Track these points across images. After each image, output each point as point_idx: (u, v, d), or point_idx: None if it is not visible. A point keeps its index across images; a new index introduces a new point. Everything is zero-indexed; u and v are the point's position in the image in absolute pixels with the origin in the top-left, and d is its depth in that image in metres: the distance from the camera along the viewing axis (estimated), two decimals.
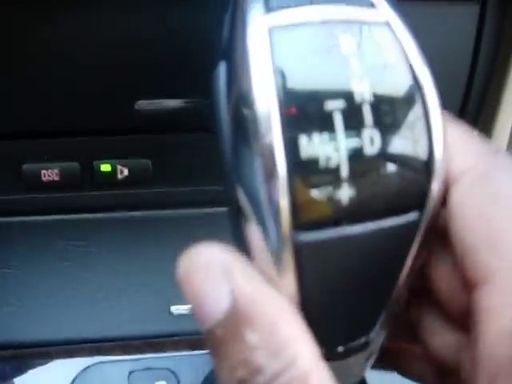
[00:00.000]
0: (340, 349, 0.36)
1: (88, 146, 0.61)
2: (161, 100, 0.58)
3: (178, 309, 0.65)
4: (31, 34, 0.55)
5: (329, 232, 0.31)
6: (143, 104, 0.59)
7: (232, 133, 0.33)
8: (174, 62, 0.57)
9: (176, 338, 0.65)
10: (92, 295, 0.66)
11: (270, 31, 0.31)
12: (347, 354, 0.37)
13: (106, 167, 0.62)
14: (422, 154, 0.32)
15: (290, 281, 0.32)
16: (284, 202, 0.30)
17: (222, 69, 0.33)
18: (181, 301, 0.64)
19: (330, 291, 0.34)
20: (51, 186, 0.62)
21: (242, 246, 0.35)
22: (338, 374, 0.34)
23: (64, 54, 0.56)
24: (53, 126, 0.60)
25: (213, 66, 0.35)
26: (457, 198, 0.33)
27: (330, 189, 0.30)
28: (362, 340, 0.37)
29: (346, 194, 0.30)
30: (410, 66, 0.33)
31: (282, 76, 0.31)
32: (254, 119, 0.30)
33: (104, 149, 0.62)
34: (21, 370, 0.64)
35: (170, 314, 0.65)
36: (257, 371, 0.29)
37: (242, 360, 0.29)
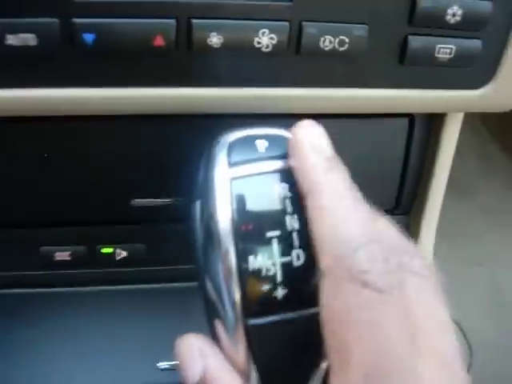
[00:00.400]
0: None
1: (93, 234, 0.71)
2: (151, 199, 0.69)
3: (162, 365, 0.76)
4: (51, 149, 0.65)
5: (269, 318, 0.43)
6: (137, 202, 0.69)
7: (203, 242, 0.46)
8: (162, 172, 0.68)
9: None
10: (94, 355, 0.75)
11: (231, 180, 0.45)
12: None
13: (107, 250, 0.72)
14: None
15: (240, 349, 0.44)
16: (237, 295, 0.43)
17: (197, 204, 0.47)
18: (165, 358, 0.75)
19: (274, 357, 0.45)
20: (63, 264, 0.72)
21: (209, 322, 0.48)
22: None
23: (76, 164, 0.66)
24: (64, 218, 0.70)
25: (191, 201, 0.48)
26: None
27: (269, 290, 0.43)
28: None
29: (280, 293, 0.43)
30: None
31: (237, 207, 0.43)
32: (219, 244, 0.43)
33: (106, 235, 0.71)
34: None
35: (157, 368, 0.76)
36: None
37: None
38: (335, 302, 0.39)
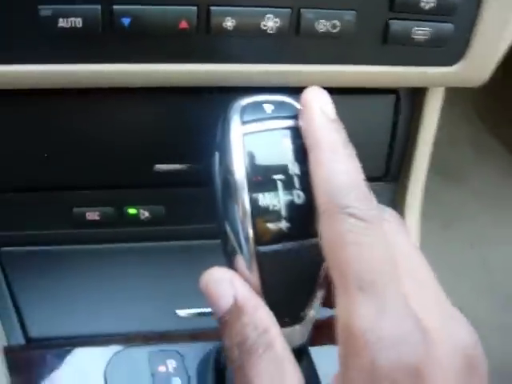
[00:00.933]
0: (287, 319, 0.56)
1: (120, 196, 0.79)
2: (171, 165, 0.77)
3: (181, 312, 0.83)
4: (87, 119, 0.74)
5: (275, 246, 0.53)
6: (159, 167, 0.77)
7: (221, 191, 0.56)
8: (183, 139, 0.77)
9: (181, 331, 0.81)
10: (122, 301, 0.82)
11: (243, 135, 0.55)
12: (291, 323, 0.57)
13: (132, 210, 0.80)
14: None
15: (255, 276, 0.54)
16: (250, 230, 0.52)
17: (216, 156, 0.57)
18: (183, 306, 0.83)
19: (280, 281, 0.55)
20: (93, 223, 0.80)
21: (228, 261, 0.58)
22: (287, 337, 0.57)
23: (105, 134, 0.75)
24: (95, 182, 0.78)
25: (210, 154, 0.58)
26: (321, 230, 0.50)
27: (275, 222, 0.53)
28: (300, 314, 0.57)
29: (284, 225, 0.53)
30: None
31: (249, 159, 0.53)
32: (235, 185, 0.53)
33: (131, 197, 0.80)
34: (65, 355, 0.77)
35: (176, 315, 0.83)
36: (246, 338, 0.51)
37: (238, 332, 0.51)
38: (331, 230, 0.48)
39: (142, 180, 0.79)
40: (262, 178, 0.53)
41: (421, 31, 0.67)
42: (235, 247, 0.55)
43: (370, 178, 0.72)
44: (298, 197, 0.53)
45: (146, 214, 0.81)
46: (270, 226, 0.53)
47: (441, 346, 0.45)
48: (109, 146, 0.76)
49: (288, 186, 0.53)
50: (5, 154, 0.75)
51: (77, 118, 0.74)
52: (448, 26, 0.68)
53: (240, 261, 0.55)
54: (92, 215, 0.80)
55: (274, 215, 0.53)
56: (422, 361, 0.43)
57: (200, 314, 0.83)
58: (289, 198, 0.53)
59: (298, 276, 0.55)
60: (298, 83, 0.66)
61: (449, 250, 1.92)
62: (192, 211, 0.82)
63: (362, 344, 0.43)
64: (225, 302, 0.52)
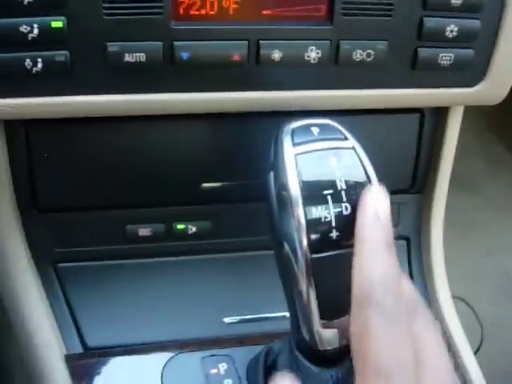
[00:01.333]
0: (336, 320, 0.62)
1: (169, 213, 0.85)
2: (217, 183, 0.83)
3: (228, 320, 0.87)
4: (141, 142, 0.80)
5: (327, 254, 0.59)
6: (205, 186, 0.83)
7: (277, 206, 0.62)
8: (227, 160, 0.82)
9: (230, 336, 0.85)
10: (173, 311, 0.86)
11: (296, 156, 0.60)
12: (340, 323, 0.62)
13: (180, 226, 0.85)
14: None
15: (308, 280, 0.59)
16: (305, 240, 0.58)
17: (271, 175, 0.63)
18: (231, 314, 0.87)
19: (330, 284, 0.60)
20: (144, 239, 0.85)
21: (280, 266, 0.64)
22: (336, 336, 0.62)
23: (157, 157, 0.81)
24: (146, 200, 0.84)
25: (265, 173, 0.63)
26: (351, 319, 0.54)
27: (327, 232, 0.58)
28: (347, 316, 0.60)
29: (334, 234, 0.58)
30: (365, 170, 0.61)
31: (301, 177, 0.59)
32: (289, 198, 0.59)
33: (180, 214, 0.85)
34: (122, 363, 0.82)
35: (224, 323, 0.87)
36: None
37: None
38: (358, 320, 0.52)
39: (190, 197, 0.84)
40: (313, 193, 0.59)
41: (446, 57, 0.74)
42: (290, 256, 0.60)
43: (397, 191, 0.79)
44: (346, 209, 0.59)
45: (194, 229, 0.86)
46: (323, 235, 0.58)
47: None
48: (160, 167, 0.82)
49: (336, 199, 0.59)
50: (63, 176, 0.80)
51: (131, 141, 0.80)
52: (469, 52, 0.75)
53: (294, 268, 0.60)
54: (144, 231, 0.85)
55: (326, 226, 0.58)
56: None
57: (245, 321, 0.88)
58: (338, 209, 0.58)
59: (345, 280, 0.59)
60: (337, 106, 0.73)
61: (466, 258, 1.96)
62: (236, 225, 0.87)
63: None
64: None
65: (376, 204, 0.56)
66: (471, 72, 0.77)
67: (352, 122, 0.63)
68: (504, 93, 0.80)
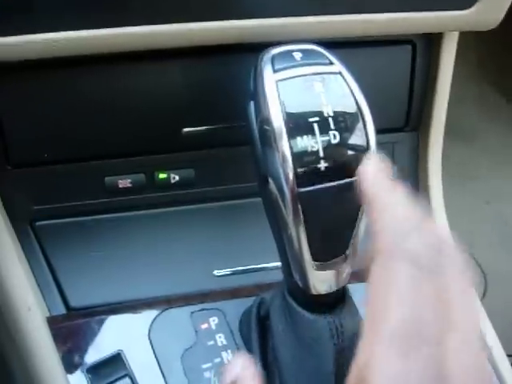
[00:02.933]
0: (329, 262, 0.59)
1: (150, 162, 0.81)
2: (199, 127, 0.79)
3: (218, 272, 0.84)
4: (114, 86, 0.76)
5: (316, 187, 0.55)
6: (187, 131, 0.79)
7: (259, 138, 0.58)
8: (209, 101, 0.79)
9: (221, 290, 0.82)
10: (159, 266, 0.83)
11: (277, 82, 0.57)
12: (334, 265, 0.60)
13: (162, 175, 0.82)
14: (363, 143, 0.57)
15: (297, 218, 0.56)
16: (291, 173, 0.54)
17: (251, 105, 0.59)
18: (220, 266, 0.85)
19: (321, 222, 0.57)
20: (125, 191, 0.82)
21: (268, 207, 0.60)
22: (332, 279, 0.59)
23: (133, 101, 0.77)
24: (124, 149, 0.80)
25: (245, 103, 0.60)
26: (371, 274, 0.45)
27: (314, 163, 0.55)
28: (342, 256, 0.60)
29: (322, 165, 0.55)
30: (354, 97, 0.57)
31: (284, 106, 0.55)
32: (272, 131, 0.56)
33: (161, 163, 0.81)
34: (107, 322, 0.79)
35: (213, 275, 0.84)
36: None
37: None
38: (384, 271, 0.45)
39: (171, 144, 0.81)
40: (298, 121, 0.55)
41: None
42: (276, 194, 0.57)
43: (391, 129, 0.75)
44: (334, 137, 0.55)
45: (177, 177, 0.82)
46: (310, 167, 0.55)
47: None
48: (136, 113, 0.78)
49: (324, 127, 0.55)
50: (35, 126, 0.77)
51: (106, 86, 0.76)
52: None
53: (281, 207, 0.57)
54: (123, 183, 0.81)
55: (313, 156, 0.55)
56: None
57: (236, 273, 0.85)
58: (325, 138, 0.55)
59: (338, 216, 0.58)
60: (322, 34, 0.68)
61: (465, 208, 1.95)
62: (221, 172, 0.84)
63: None
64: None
65: (378, 166, 0.52)
66: None
67: (340, 57, 0.60)
68: (500, 16, 0.76)
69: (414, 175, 0.93)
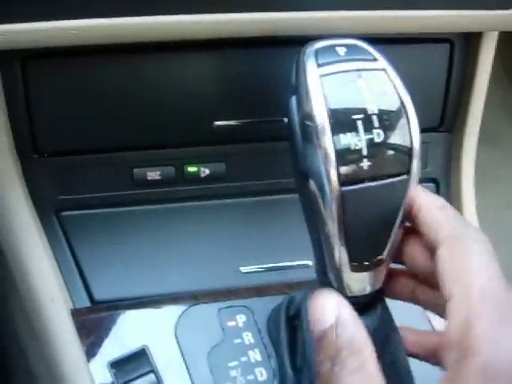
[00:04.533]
0: (366, 263, 0.58)
1: (180, 154, 0.80)
2: (231, 121, 0.78)
3: (245, 269, 0.83)
4: (147, 78, 0.75)
5: (358, 186, 0.54)
6: (218, 124, 0.78)
7: (301, 134, 0.57)
8: (241, 95, 0.77)
9: (249, 287, 0.81)
10: (185, 261, 0.82)
11: (320, 77, 0.55)
12: (370, 267, 0.58)
13: (192, 169, 0.81)
14: (407, 143, 0.55)
15: (336, 217, 0.55)
16: (333, 171, 0.53)
17: (293, 99, 0.57)
18: (248, 262, 0.83)
19: (360, 222, 0.55)
20: (153, 183, 0.81)
21: (306, 204, 0.59)
22: (367, 281, 0.58)
23: (166, 93, 0.76)
24: (155, 141, 0.79)
25: (287, 98, 0.58)
26: (441, 253, 0.52)
27: (357, 162, 0.53)
28: (379, 257, 0.58)
29: (365, 164, 0.53)
30: (398, 94, 0.56)
31: (328, 102, 0.54)
32: (315, 127, 0.54)
33: (191, 156, 0.80)
34: (133, 316, 0.77)
35: (241, 272, 0.83)
36: (341, 353, 0.51)
37: (334, 346, 0.52)
38: (456, 252, 0.52)
39: (202, 137, 0.80)
40: (341, 118, 0.54)
41: None
42: (316, 192, 0.56)
43: (426, 129, 0.74)
44: (378, 135, 0.54)
45: (207, 171, 0.81)
46: (353, 165, 0.53)
47: None
48: (167, 104, 0.77)
49: (368, 125, 0.54)
50: (63, 115, 0.76)
51: (137, 76, 0.75)
52: None
53: (321, 205, 0.55)
54: (153, 175, 0.80)
55: (356, 154, 0.53)
56: None
57: (263, 270, 0.83)
58: (369, 136, 0.53)
59: (377, 216, 0.56)
60: (365, 30, 0.67)
61: (486, 210, 1.92)
62: (251, 167, 0.83)
63: (481, 344, 0.46)
64: (327, 318, 0.54)
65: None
66: None
67: (375, 48, 0.58)
68: None
69: (446, 176, 0.92)
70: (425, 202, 0.56)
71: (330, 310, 0.54)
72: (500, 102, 2.24)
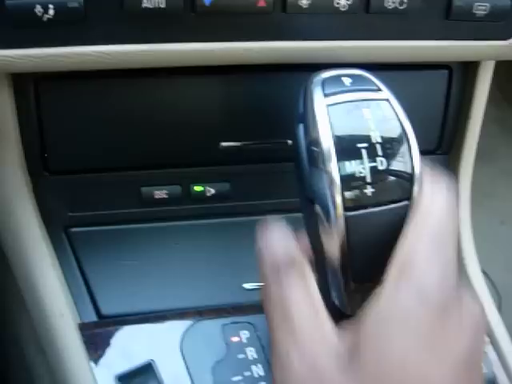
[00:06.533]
0: (368, 284, 0.59)
1: (186, 174, 0.82)
2: (237, 142, 0.80)
3: (249, 286, 0.85)
4: (154, 99, 0.77)
5: (362, 211, 0.56)
6: (224, 145, 0.80)
7: (307, 161, 0.59)
8: (248, 117, 0.80)
9: (252, 303, 0.80)
10: (190, 277, 0.84)
11: (327, 106, 0.58)
12: (373, 287, 0.58)
13: (198, 188, 0.83)
14: (408, 169, 0.57)
15: (340, 241, 0.57)
16: (339, 197, 0.55)
17: (301, 126, 0.60)
18: (252, 279, 0.84)
19: (364, 245, 0.58)
20: (161, 202, 0.82)
21: (310, 227, 0.61)
22: (364, 300, 0.60)
23: (172, 115, 0.78)
24: (161, 161, 0.81)
25: (294, 125, 0.60)
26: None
27: (361, 188, 0.55)
28: (381, 279, 0.60)
29: (369, 190, 0.55)
30: (400, 122, 0.58)
31: (334, 129, 0.56)
32: (321, 152, 0.57)
33: (197, 175, 0.82)
34: (139, 331, 0.79)
35: (244, 289, 0.85)
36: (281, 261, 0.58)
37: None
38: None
39: (208, 157, 0.82)
40: (347, 146, 0.56)
41: (481, 6, 0.70)
42: (321, 215, 0.57)
43: (423, 152, 0.75)
44: (381, 163, 0.56)
45: (212, 190, 0.83)
46: (357, 191, 0.55)
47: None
48: (175, 125, 0.79)
49: (371, 153, 0.56)
50: (75, 135, 0.78)
51: (146, 98, 0.77)
52: (505, 2, 0.72)
53: (326, 228, 0.57)
54: (160, 194, 0.82)
55: (360, 181, 0.55)
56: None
57: None
58: (373, 164, 0.56)
59: (380, 240, 0.58)
60: (366, 59, 0.70)
61: (480, 227, 1.93)
62: (256, 187, 0.85)
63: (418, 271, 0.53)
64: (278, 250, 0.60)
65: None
66: (507, 23, 0.73)
67: (378, 79, 0.60)
68: None
69: None
70: None
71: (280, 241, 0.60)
72: (496, 120, 2.26)
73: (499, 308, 1.66)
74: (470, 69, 0.86)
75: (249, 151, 0.81)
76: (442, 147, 0.91)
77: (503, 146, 2.27)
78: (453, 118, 0.89)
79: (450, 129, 0.89)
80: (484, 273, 1.70)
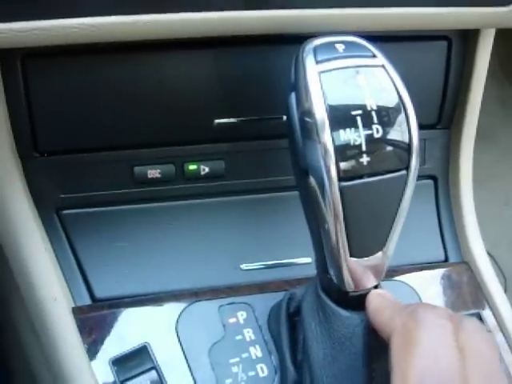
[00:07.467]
0: (366, 258, 0.58)
1: (180, 152, 0.80)
2: (231, 118, 0.78)
3: (246, 266, 0.83)
4: (147, 76, 0.75)
5: (357, 181, 0.54)
6: (218, 122, 0.78)
7: (300, 131, 0.57)
8: (242, 93, 0.78)
9: (249, 284, 0.81)
10: (186, 258, 0.82)
11: (319, 73, 0.56)
12: (370, 263, 0.59)
13: (192, 167, 0.81)
14: (405, 139, 0.56)
15: (337, 212, 0.55)
16: (333, 167, 0.54)
17: (292, 96, 0.58)
18: (248, 260, 0.83)
19: (360, 217, 0.56)
20: (154, 181, 0.81)
21: (306, 201, 0.59)
22: (366, 277, 0.58)
23: (166, 91, 0.76)
24: (156, 139, 0.79)
25: (281, 95, 0.58)
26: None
27: (357, 157, 0.54)
28: (379, 253, 0.59)
29: (365, 159, 0.54)
30: (397, 90, 0.56)
31: (327, 98, 0.54)
32: (315, 123, 0.55)
33: (191, 154, 0.80)
34: (134, 313, 0.78)
35: (241, 269, 0.83)
36: None
37: None
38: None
39: (202, 135, 0.80)
40: (341, 114, 0.54)
41: None
42: (316, 188, 0.56)
43: (424, 126, 0.74)
44: (377, 131, 0.54)
45: (207, 169, 0.81)
46: (352, 161, 0.54)
47: None
48: (168, 103, 0.77)
49: (367, 120, 0.54)
50: (64, 114, 0.76)
51: (137, 73, 0.75)
52: None
53: (320, 201, 0.56)
54: (153, 173, 0.80)
55: (355, 150, 0.54)
56: None
57: (264, 267, 0.84)
58: (368, 132, 0.54)
59: (377, 211, 0.57)
60: (361, 27, 0.67)
61: (484, 208, 1.93)
62: (251, 165, 0.83)
63: None
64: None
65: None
66: None
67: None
68: None
69: (444, 173, 0.92)
70: (374, 306, 0.60)
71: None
72: (497, 99, 2.24)
73: (505, 290, 1.66)
74: (469, 39, 0.84)
75: (243, 128, 0.79)
76: (443, 121, 0.89)
77: (506, 126, 2.25)
78: (453, 91, 0.86)
79: (450, 102, 0.87)
80: (489, 255, 1.71)
